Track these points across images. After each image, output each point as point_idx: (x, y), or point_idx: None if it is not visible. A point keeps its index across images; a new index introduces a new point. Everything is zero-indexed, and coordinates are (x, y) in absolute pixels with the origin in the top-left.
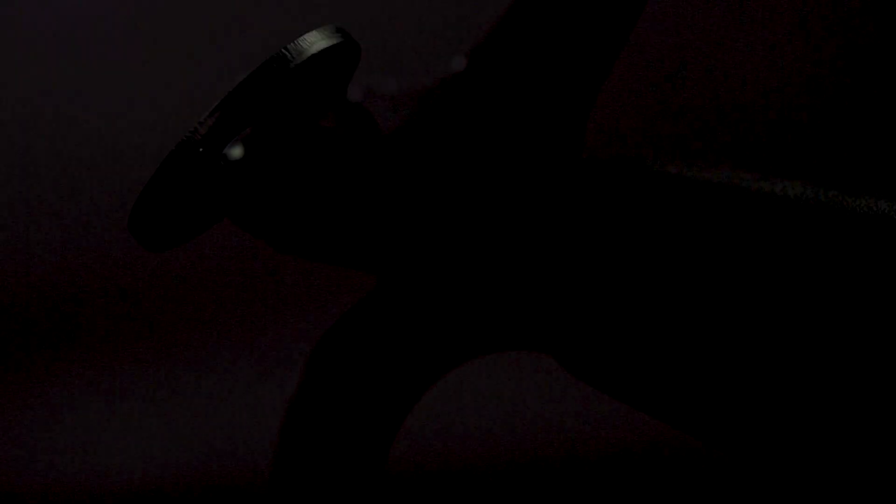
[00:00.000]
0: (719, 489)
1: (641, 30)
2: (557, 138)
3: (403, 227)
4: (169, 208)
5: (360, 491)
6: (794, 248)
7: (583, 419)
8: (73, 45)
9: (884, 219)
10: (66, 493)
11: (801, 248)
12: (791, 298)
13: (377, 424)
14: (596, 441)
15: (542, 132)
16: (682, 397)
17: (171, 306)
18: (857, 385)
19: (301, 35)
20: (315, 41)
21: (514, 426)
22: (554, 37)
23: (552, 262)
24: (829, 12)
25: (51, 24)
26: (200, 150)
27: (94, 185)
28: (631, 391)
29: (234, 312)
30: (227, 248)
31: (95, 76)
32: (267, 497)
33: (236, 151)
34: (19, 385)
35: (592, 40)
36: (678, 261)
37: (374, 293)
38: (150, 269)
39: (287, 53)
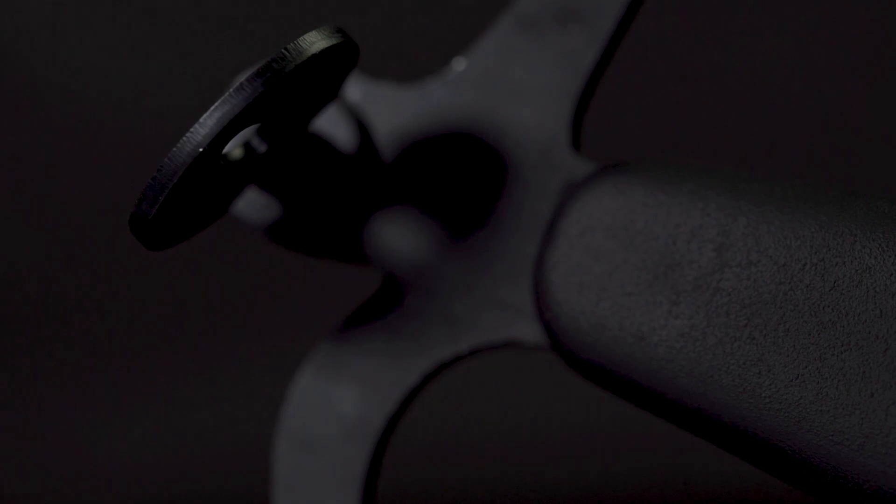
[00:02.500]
0: (719, 488)
1: (642, 29)
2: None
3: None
4: (169, 208)
5: (360, 489)
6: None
7: (584, 418)
8: (71, 45)
9: (884, 219)
10: (64, 494)
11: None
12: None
13: (376, 421)
14: (595, 439)
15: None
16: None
17: (170, 305)
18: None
19: (301, 35)
20: (315, 41)
21: (514, 426)
22: None
23: None
24: (831, 10)
25: (49, 22)
26: (200, 150)
27: (94, 185)
28: (632, 389)
29: (235, 311)
30: (228, 247)
31: (94, 75)
32: (268, 496)
33: (236, 151)
34: (17, 385)
35: None
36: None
37: (380, 292)
38: (150, 267)
39: (287, 53)
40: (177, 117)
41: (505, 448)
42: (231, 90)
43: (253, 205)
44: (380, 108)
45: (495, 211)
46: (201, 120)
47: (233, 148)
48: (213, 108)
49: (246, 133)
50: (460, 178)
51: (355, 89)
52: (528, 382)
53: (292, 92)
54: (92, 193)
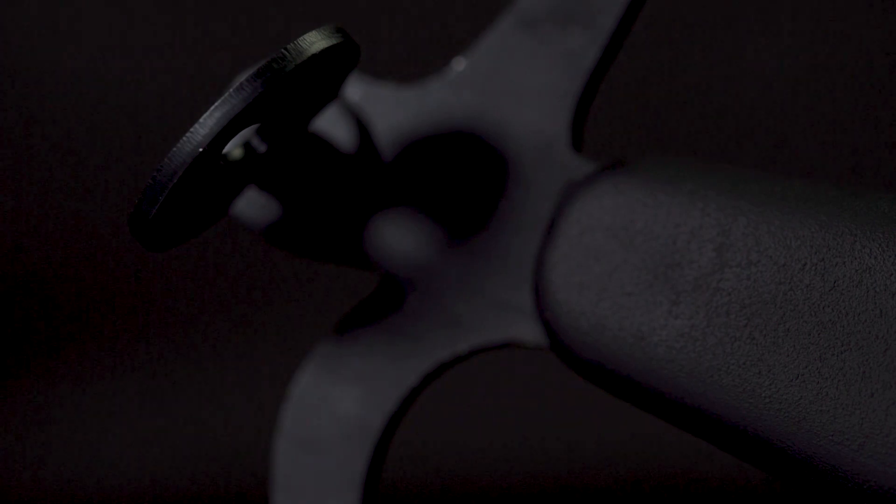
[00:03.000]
0: (719, 487)
1: (642, 29)
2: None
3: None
4: (169, 209)
5: (360, 489)
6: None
7: (583, 418)
8: (70, 45)
9: (884, 219)
10: (63, 492)
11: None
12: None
13: (377, 422)
14: (596, 440)
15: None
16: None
17: (170, 305)
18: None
19: (301, 35)
20: (315, 41)
21: (514, 426)
22: None
23: None
24: (830, 10)
25: (48, 21)
26: (200, 150)
27: (94, 187)
28: (632, 389)
29: (235, 312)
30: (228, 248)
31: (94, 76)
32: (268, 496)
33: (236, 151)
34: (18, 386)
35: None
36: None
37: (376, 293)
38: (150, 269)
39: (287, 53)
40: (177, 117)
41: (505, 448)
42: (231, 90)
43: (253, 205)
44: (380, 108)
45: (495, 211)
46: (201, 120)
47: (233, 148)
48: (212, 108)
49: (246, 133)
50: (460, 178)
51: (355, 89)
52: (528, 382)
53: (292, 92)
54: (91, 194)
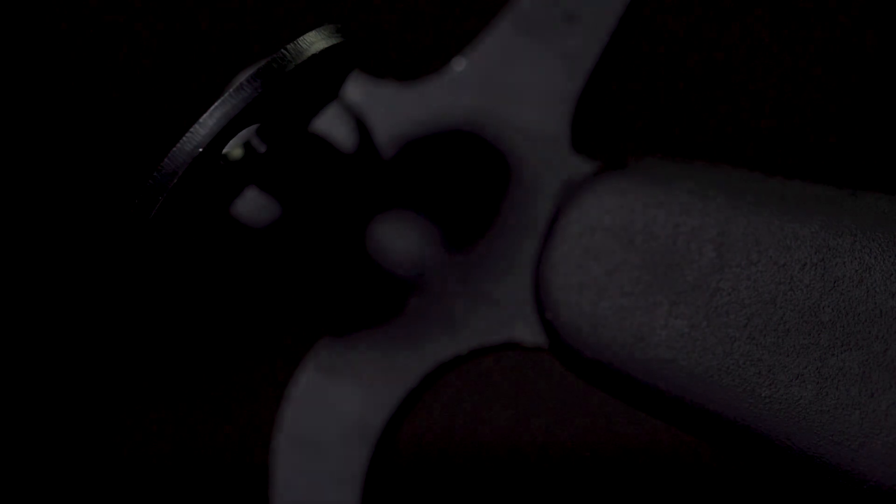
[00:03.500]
0: (719, 488)
1: (642, 29)
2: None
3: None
4: (169, 209)
5: (360, 489)
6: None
7: (582, 418)
8: (69, 44)
9: (884, 219)
10: (62, 491)
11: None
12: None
13: (377, 422)
14: (595, 440)
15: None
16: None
17: (170, 305)
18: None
19: (301, 35)
20: (315, 41)
21: (513, 426)
22: None
23: None
24: (830, 10)
25: (48, 22)
26: (200, 150)
27: (93, 186)
28: (631, 389)
29: (234, 312)
30: (228, 248)
31: (92, 76)
32: (268, 496)
33: (236, 151)
34: (15, 387)
35: None
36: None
37: (376, 293)
38: (150, 269)
39: (287, 53)
40: (177, 117)
41: (503, 448)
42: (231, 90)
43: (253, 205)
44: (380, 108)
45: (495, 211)
46: (201, 120)
47: (233, 148)
48: (212, 108)
49: (246, 133)
50: (460, 178)
51: (355, 89)
52: (528, 382)
53: (292, 92)
54: (91, 194)
